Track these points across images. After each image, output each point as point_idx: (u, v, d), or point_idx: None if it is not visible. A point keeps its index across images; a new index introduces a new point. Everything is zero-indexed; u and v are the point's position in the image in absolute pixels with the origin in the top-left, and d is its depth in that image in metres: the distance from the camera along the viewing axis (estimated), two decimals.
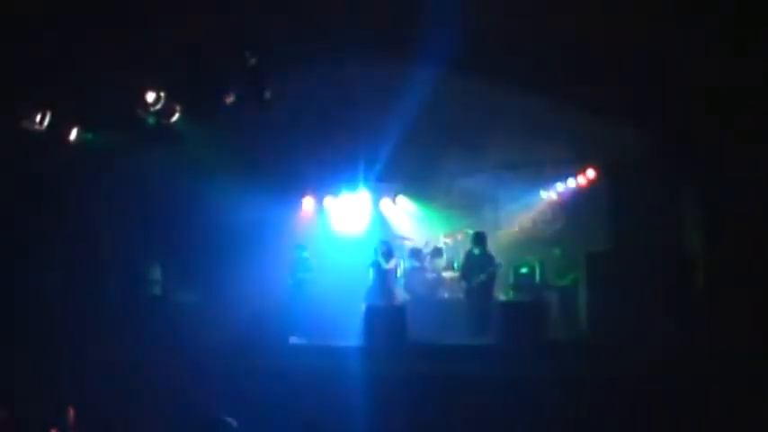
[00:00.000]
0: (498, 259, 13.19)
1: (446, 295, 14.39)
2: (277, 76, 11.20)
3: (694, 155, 11.21)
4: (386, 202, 16.18)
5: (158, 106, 11.24)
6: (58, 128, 11.28)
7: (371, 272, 13.34)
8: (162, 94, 11.24)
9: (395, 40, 10.91)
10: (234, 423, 5.54)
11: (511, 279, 13.99)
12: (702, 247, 11.23)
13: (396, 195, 16.07)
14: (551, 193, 15.07)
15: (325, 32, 10.82)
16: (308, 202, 16.02)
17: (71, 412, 7.98)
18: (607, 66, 10.61)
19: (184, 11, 10.21)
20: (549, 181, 15.03)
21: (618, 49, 10.34)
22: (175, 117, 11.43)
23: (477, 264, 12.95)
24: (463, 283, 13.33)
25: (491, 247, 13.38)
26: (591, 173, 14.25)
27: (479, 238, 13.16)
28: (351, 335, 12.04)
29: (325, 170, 14.65)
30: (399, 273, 14.18)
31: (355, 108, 12.77)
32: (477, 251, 13.01)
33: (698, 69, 10.08)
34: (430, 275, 14.49)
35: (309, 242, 14.77)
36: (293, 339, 12.42)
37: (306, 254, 14.14)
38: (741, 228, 10.21)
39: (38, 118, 10.96)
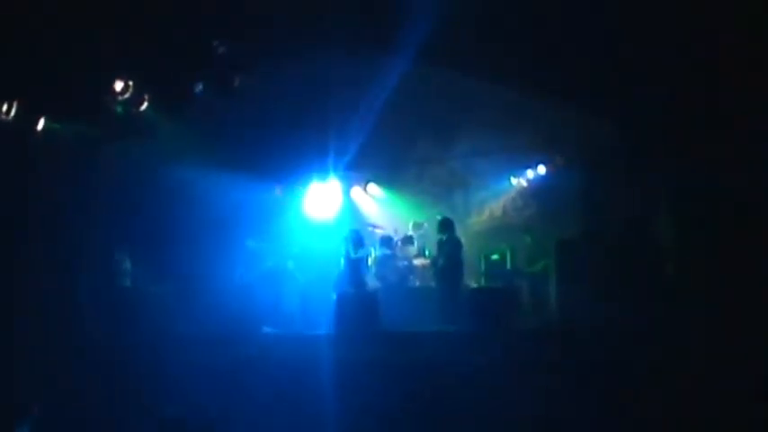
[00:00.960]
0: (469, 246, 13.25)
1: (417, 283, 14.45)
2: (246, 66, 11.16)
3: (664, 142, 11.31)
4: (357, 191, 16.21)
5: (126, 95, 11.13)
6: (25, 118, 11.14)
7: (342, 260, 13.37)
8: (130, 83, 11.13)
9: (364, 30, 10.90)
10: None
11: (482, 266, 14.08)
12: (673, 234, 11.34)
13: (367, 183, 16.09)
14: (521, 180, 15.16)
15: (294, 22, 10.79)
16: (279, 192, 15.98)
17: (36, 408, 7.93)
18: (577, 53, 10.65)
19: None
20: (519, 168, 15.12)
21: (587, 37, 10.39)
22: (144, 106, 11.33)
23: (445, 248, 13.00)
24: (433, 269, 13.42)
25: (461, 233, 13.46)
26: (560, 160, 14.34)
27: (444, 225, 13.23)
28: (322, 323, 12.08)
29: (296, 159, 14.61)
30: (371, 261, 14.22)
31: (325, 97, 12.76)
32: (444, 237, 13.06)
33: (668, 58, 10.17)
34: (401, 263, 14.53)
35: (282, 231, 14.81)
36: (266, 329, 12.42)
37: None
38: (711, 216, 10.33)
39: (4, 108, 10.82)
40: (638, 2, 9.71)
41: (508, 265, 13.77)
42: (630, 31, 10.09)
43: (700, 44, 9.82)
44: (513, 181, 15.22)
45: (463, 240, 13.28)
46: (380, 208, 16.21)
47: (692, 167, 10.62)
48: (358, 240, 13.34)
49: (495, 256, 13.99)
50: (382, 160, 15.60)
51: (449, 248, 12.86)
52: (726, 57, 9.74)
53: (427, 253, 14.51)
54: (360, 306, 11.87)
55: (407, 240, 14.90)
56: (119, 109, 11.24)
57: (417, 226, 15.26)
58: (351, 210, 16.09)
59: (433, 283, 13.64)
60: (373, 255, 14.42)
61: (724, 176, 10.11)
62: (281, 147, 13.81)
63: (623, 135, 12.14)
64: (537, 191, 14.91)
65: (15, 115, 10.89)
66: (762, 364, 8.48)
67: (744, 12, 9.18)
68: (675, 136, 10.97)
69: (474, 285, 13.65)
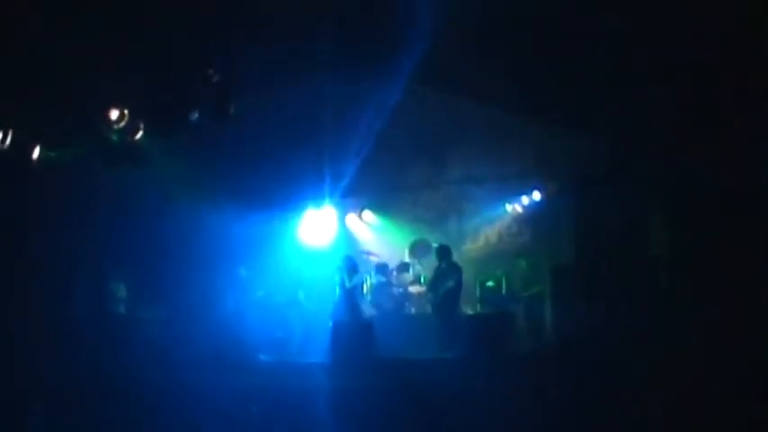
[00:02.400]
0: (464, 272, 13.24)
1: (413, 310, 14.42)
2: (241, 93, 11.21)
3: (656, 165, 11.37)
4: (351, 218, 16.21)
5: (122, 124, 11.15)
6: (21, 146, 11.14)
7: (338, 288, 13.36)
8: (125, 111, 11.16)
9: (358, 56, 10.98)
10: None
11: (477, 293, 14.07)
12: (667, 248, 11.35)
13: (362, 210, 16.09)
14: (516, 206, 15.17)
15: (288, 49, 10.86)
16: (274, 219, 15.96)
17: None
18: (569, 78, 10.74)
19: (147, 27, 10.20)
20: (513, 194, 15.13)
21: (579, 62, 10.48)
22: (139, 134, 11.35)
23: (443, 275, 13.01)
24: (430, 296, 13.40)
25: (457, 260, 13.47)
26: (554, 186, 14.37)
27: (442, 252, 13.24)
28: (318, 351, 12.04)
29: (291, 186, 14.62)
30: (366, 288, 14.19)
31: (320, 124, 12.80)
32: (443, 265, 13.08)
33: (660, 81, 10.25)
34: (396, 290, 14.52)
35: (277, 259, 14.80)
36: (261, 356, 12.37)
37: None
38: (706, 239, 10.36)
39: None
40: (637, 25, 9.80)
41: (503, 291, 13.76)
42: (625, 56, 10.18)
43: (686, 57, 9.91)
44: (508, 207, 15.22)
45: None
46: (375, 235, 16.19)
47: (685, 190, 10.69)
48: (352, 267, 13.30)
49: (490, 283, 14.00)
50: (377, 187, 15.60)
51: (450, 275, 12.87)
52: (714, 68, 9.83)
53: (422, 280, 14.49)
54: (355, 335, 11.84)
55: (403, 267, 14.90)
56: (114, 137, 11.26)
57: (419, 245, 15.22)
58: (346, 237, 16.06)
59: (429, 310, 13.61)
60: (368, 282, 14.40)
61: (717, 185, 10.18)
62: (276, 174, 13.82)
63: (613, 151, 12.18)
64: (532, 217, 14.90)
65: (11, 143, 10.91)
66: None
67: (728, 26, 9.28)
68: (666, 160, 11.05)
69: (470, 312, 13.63)
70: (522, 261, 13.69)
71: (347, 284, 13.15)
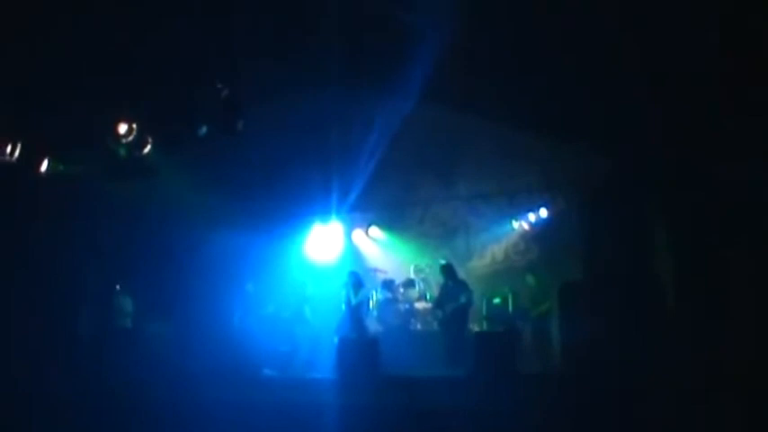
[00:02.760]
0: (471, 289, 13.22)
1: (419, 326, 14.39)
2: (250, 108, 11.23)
3: (662, 181, 11.34)
4: (358, 233, 16.20)
5: (130, 138, 11.19)
6: (29, 159, 11.19)
7: (343, 304, 13.35)
8: (134, 125, 11.19)
9: (367, 73, 11.00)
10: None
11: (484, 310, 14.02)
12: (672, 273, 11.31)
13: (369, 226, 16.08)
14: (523, 224, 15.12)
15: (297, 65, 10.90)
16: (281, 234, 15.98)
17: None
18: (576, 95, 10.74)
19: (156, 42, 10.24)
20: (521, 211, 15.11)
21: (587, 79, 10.48)
22: (147, 149, 11.38)
23: (452, 292, 13.01)
24: (438, 312, 13.38)
25: (464, 277, 13.46)
26: (561, 202, 14.35)
27: (447, 270, 13.28)
28: (324, 367, 12.01)
29: (298, 202, 14.65)
30: (372, 304, 14.18)
31: (328, 139, 12.83)
32: (450, 283, 13.10)
33: (666, 99, 10.25)
34: (402, 307, 14.49)
35: (284, 275, 14.80)
36: (266, 371, 12.35)
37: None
38: (710, 253, 10.33)
39: (8, 149, 10.88)
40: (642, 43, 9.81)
41: (510, 309, 13.71)
42: (632, 72, 10.18)
43: (691, 72, 9.90)
44: (515, 224, 15.18)
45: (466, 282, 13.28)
46: (382, 251, 16.17)
47: (692, 205, 10.66)
48: (357, 283, 13.30)
49: (497, 300, 13.94)
50: (384, 202, 15.62)
51: (458, 292, 12.87)
52: (717, 83, 9.82)
53: (428, 296, 14.47)
54: (361, 351, 11.80)
55: (409, 284, 14.88)
56: (122, 151, 11.29)
57: (419, 270, 15.27)
58: (352, 253, 16.05)
59: (434, 327, 13.57)
60: (374, 298, 14.38)
61: (720, 214, 10.15)
62: (284, 189, 13.85)
63: (619, 168, 12.15)
64: (539, 234, 14.85)
65: (19, 155, 10.96)
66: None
67: (728, 39, 9.28)
68: (672, 175, 11.03)
69: (476, 329, 13.58)
70: (530, 278, 13.61)
71: (353, 300, 13.14)
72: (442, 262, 13.90)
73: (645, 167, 11.32)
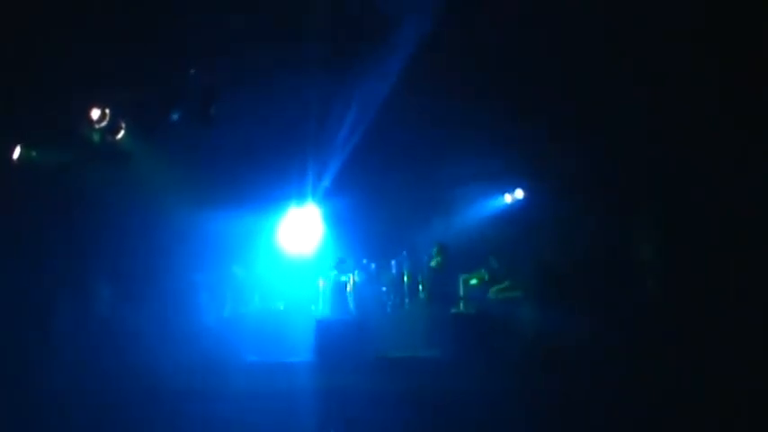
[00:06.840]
0: (448, 272, 13.29)
1: (395, 307, 14.42)
2: (224, 92, 11.17)
3: (644, 168, 11.43)
4: (337, 217, 16.17)
5: (103, 123, 11.10)
6: (1, 146, 11.06)
7: (323, 286, 13.36)
8: (107, 111, 11.10)
9: (344, 57, 10.97)
10: None
11: (461, 291, 14.09)
12: (653, 259, 11.40)
13: (347, 210, 16.04)
14: (500, 205, 15.22)
15: (273, 48, 10.83)
16: (259, 219, 15.92)
17: None
18: (556, 82, 10.79)
19: (130, 27, 10.14)
20: (497, 192, 15.19)
21: (566, 66, 10.53)
22: (121, 134, 11.29)
23: (431, 274, 13.09)
24: (422, 294, 13.46)
25: (442, 260, 13.55)
26: (537, 183, 14.44)
27: (441, 250, 13.41)
28: (303, 350, 12.03)
29: (276, 187, 14.61)
30: (349, 287, 14.20)
31: (305, 124, 12.79)
32: (432, 263, 13.18)
33: (649, 86, 10.32)
34: (379, 288, 14.53)
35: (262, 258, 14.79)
36: (250, 357, 12.36)
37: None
38: (693, 240, 10.43)
39: None
40: (611, 30, 9.86)
41: (487, 291, 13.79)
42: (605, 54, 10.24)
43: (672, 62, 9.97)
44: (493, 206, 15.25)
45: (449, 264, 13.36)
46: (361, 234, 16.16)
47: (675, 193, 10.75)
48: (339, 266, 13.32)
49: (473, 281, 14.00)
50: (362, 187, 15.61)
51: (436, 274, 12.95)
52: (699, 73, 9.90)
53: (406, 278, 14.51)
54: (339, 332, 11.84)
55: (386, 266, 14.91)
56: (95, 137, 11.19)
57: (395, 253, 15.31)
58: (331, 237, 16.04)
59: (413, 308, 13.65)
60: (351, 281, 14.40)
61: (705, 202, 10.25)
62: (260, 174, 13.80)
63: (603, 153, 12.22)
64: (515, 215, 14.95)
65: None
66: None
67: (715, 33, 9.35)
68: (656, 163, 11.11)
69: (453, 310, 13.65)
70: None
71: (334, 283, 13.16)
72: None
73: (625, 154, 11.40)
